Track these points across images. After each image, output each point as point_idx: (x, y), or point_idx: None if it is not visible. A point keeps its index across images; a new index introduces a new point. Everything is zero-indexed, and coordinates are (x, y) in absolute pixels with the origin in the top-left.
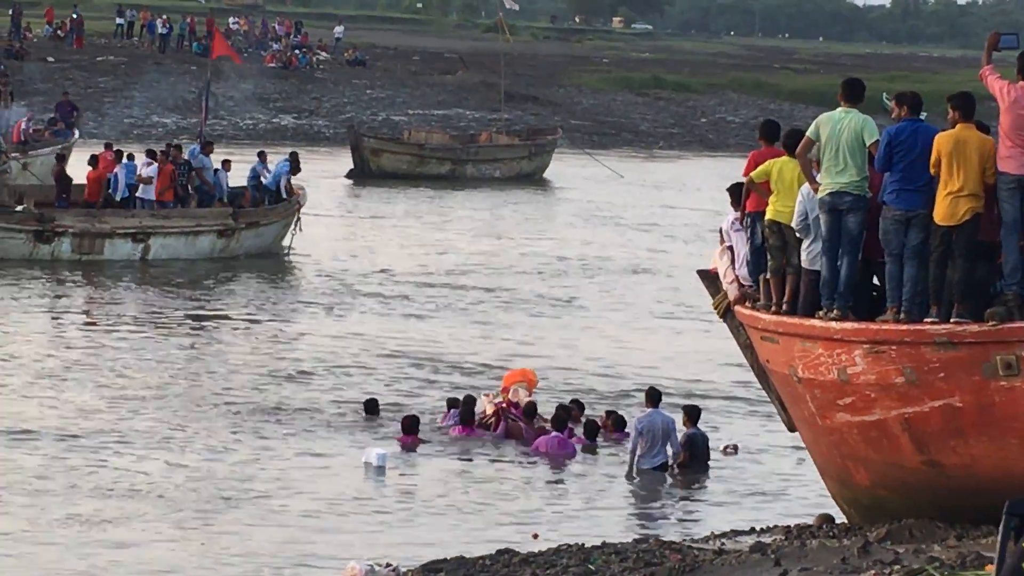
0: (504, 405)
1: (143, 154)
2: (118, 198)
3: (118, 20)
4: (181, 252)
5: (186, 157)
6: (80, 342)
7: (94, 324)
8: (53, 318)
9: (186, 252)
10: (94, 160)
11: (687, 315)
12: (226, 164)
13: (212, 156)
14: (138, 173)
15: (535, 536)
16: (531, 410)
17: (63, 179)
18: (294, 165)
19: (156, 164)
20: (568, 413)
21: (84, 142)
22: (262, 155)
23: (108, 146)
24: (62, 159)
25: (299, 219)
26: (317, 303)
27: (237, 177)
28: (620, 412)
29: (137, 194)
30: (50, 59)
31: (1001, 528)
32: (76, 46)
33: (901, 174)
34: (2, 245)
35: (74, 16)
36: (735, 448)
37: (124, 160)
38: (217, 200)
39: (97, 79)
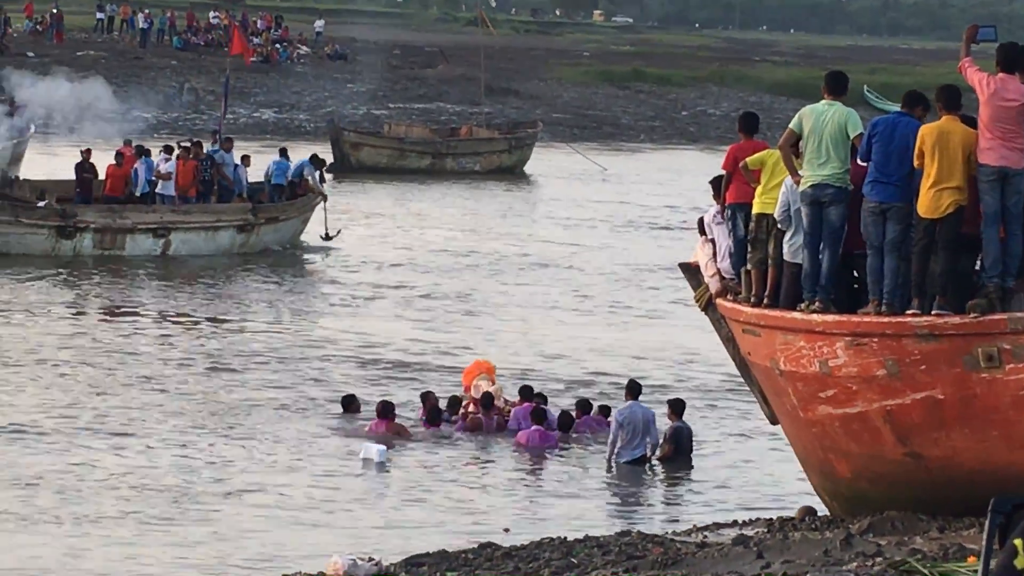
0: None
1: (160, 149)
2: (138, 193)
3: (98, 15)
4: (201, 247)
5: (207, 152)
6: (99, 338)
7: (113, 320)
8: (74, 314)
9: (206, 247)
10: (119, 157)
11: (669, 311)
12: (245, 160)
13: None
14: (156, 169)
15: (506, 531)
16: (488, 400)
17: (86, 175)
18: (318, 164)
19: (173, 160)
20: (545, 402)
21: (44, 137)
22: (283, 152)
23: (128, 142)
24: (87, 154)
25: (326, 214)
26: (326, 301)
27: (256, 173)
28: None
29: (157, 190)
30: (30, 54)
31: (987, 526)
32: (56, 41)
33: (876, 166)
34: (24, 241)
35: (54, 11)
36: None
37: (143, 156)
38: (237, 195)
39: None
